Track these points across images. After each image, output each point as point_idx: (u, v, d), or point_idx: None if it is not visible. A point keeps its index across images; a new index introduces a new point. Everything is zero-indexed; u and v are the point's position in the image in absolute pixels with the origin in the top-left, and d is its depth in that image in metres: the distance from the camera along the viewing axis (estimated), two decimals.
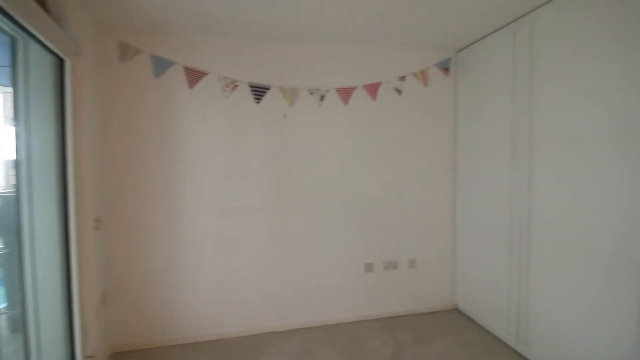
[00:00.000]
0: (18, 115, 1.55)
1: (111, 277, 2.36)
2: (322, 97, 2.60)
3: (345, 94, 2.64)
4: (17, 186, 1.55)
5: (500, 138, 2.43)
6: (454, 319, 2.84)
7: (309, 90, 2.58)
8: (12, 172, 1.57)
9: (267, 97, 2.51)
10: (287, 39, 2.54)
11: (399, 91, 2.75)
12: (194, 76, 2.37)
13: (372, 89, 2.69)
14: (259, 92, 2.47)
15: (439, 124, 2.92)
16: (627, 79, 1.61)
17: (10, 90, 1.54)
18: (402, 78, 2.75)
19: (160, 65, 2.32)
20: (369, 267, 2.82)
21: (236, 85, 2.45)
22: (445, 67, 2.85)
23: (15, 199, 1.55)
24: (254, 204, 2.57)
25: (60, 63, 1.83)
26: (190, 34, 2.41)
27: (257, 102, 2.48)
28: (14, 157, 1.54)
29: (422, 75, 2.78)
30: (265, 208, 2.60)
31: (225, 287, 2.55)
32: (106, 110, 2.32)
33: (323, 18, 2.21)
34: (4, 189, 1.72)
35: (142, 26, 2.29)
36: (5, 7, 1.21)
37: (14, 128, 1.54)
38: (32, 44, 1.57)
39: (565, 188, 1.95)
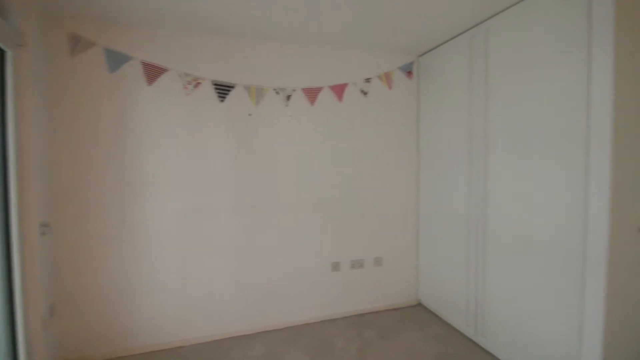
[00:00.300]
0: None
1: (61, 286, 2.20)
2: (288, 97, 2.59)
3: (312, 94, 2.65)
4: None
5: (458, 140, 2.55)
6: (418, 314, 2.94)
7: (275, 89, 2.56)
8: None
9: (232, 96, 2.46)
10: (253, 38, 2.50)
11: (365, 93, 2.81)
12: (153, 72, 2.27)
13: (338, 90, 2.72)
14: (223, 90, 2.42)
15: (403, 125, 3.01)
16: (568, 90, 1.75)
17: None
18: (368, 80, 2.81)
19: (116, 60, 2.20)
20: (336, 267, 2.85)
21: (199, 83, 2.38)
22: (408, 71, 2.95)
23: None
24: (218, 205, 2.50)
25: (0, 54, 1.68)
26: (149, 27, 2.29)
27: (221, 101, 2.43)
28: None
29: (387, 78, 2.86)
30: (230, 209, 2.54)
31: (187, 292, 2.47)
32: (55, 107, 2.16)
33: (291, 19, 2.20)
34: None
35: (95, 17, 2.15)
36: None
37: None
38: None
39: (514, 188, 2.08)
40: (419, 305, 3.12)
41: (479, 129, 2.34)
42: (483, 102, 2.30)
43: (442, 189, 2.77)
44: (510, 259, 2.13)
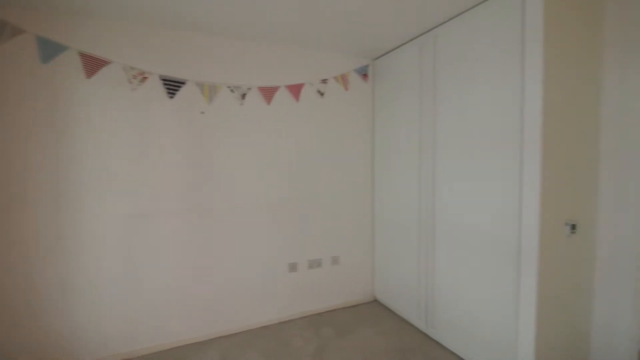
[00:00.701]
0: None
1: None
2: (243, 96, 2.53)
3: (268, 93, 2.61)
4: None
5: (410, 142, 2.66)
6: (374, 310, 3.02)
7: (229, 87, 2.49)
8: None
9: (183, 93, 2.35)
10: (207, 32, 2.40)
11: (321, 93, 2.83)
12: (93, 64, 2.10)
13: (295, 90, 2.71)
14: (172, 86, 2.30)
15: (359, 126, 3.08)
16: (505, 96, 1.90)
17: None
18: (324, 81, 2.83)
19: (49, 49, 2.01)
20: (293, 267, 2.83)
21: (145, 78, 2.24)
22: (364, 73, 3.02)
23: None
24: (166, 207, 2.37)
25: None
26: (88, 15, 2.11)
27: (171, 97, 2.31)
28: None
29: (343, 79, 2.90)
30: (180, 211, 2.42)
31: (134, 300, 2.31)
32: None
33: (247, 16, 2.14)
34: None
35: (24, 2, 1.93)
36: None
37: None
38: None
39: (459, 188, 2.21)
40: (375, 301, 3.21)
41: (428, 131, 2.46)
42: (432, 106, 2.42)
43: (395, 189, 2.87)
44: (456, 254, 2.26)
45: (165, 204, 2.36)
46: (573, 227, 1.89)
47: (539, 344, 1.80)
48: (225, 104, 2.50)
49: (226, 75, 2.49)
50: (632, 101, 1.88)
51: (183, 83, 2.33)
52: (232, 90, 2.49)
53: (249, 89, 2.55)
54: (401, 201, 2.79)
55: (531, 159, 1.77)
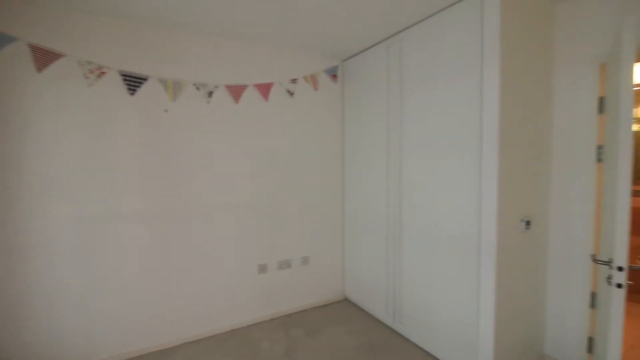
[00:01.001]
0: None
1: None
2: (210, 94, 2.47)
3: (236, 91, 2.57)
4: None
5: (378, 142, 2.71)
6: (344, 309, 3.05)
7: (195, 85, 2.42)
8: None
9: (144, 89, 2.25)
10: (170, 27, 2.32)
11: (291, 93, 2.82)
12: (44, 57, 1.96)
13: (264, 89, 2.68)
14: (133, 82, 2.20)
15: (329, 126, 3.09)
16: (466, 99, 1.99)
17: None
18: (294, 81, 2.82)
19: None
20: (262, 269, 2.80)
21: (103, 73, 2.13)
22: (333, 74, 3.04)
23: None
24: (128, 210, 2.26)
25: None
26: (39, 4, 1.97)
27: (132, 94, 2.20)
28: None
29: (313, 80, 2.91)
30: (143, 214, 2.31)
31: (92, 308, 2.18)
32: None
33: (215, 12, 2.09)
34: None
35: None
36: None
37: None
38: None
39: (425, 187, 2.29)
40: (345, 300, 3.24)
41: (395, 133, 2.52)
42: (399, 108, 2.48)
43: (364, 189, 2.92)
44: (421, 251, 2.33)
45: (125, 207, 2.25)
46: (528, 223, 2.01)
47: (498, 336, 1.89)
48: (191, 102, 2.43)
49: (191, 72, 2.42)
50: (580, 106, 2.03)
51: (145, 79, 2.24)
52: (197, 88, 2.42)
53: (216, 86, 2.49)
54: (370, 201, 2.84)
55: (489, 159, 1.86)
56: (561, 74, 2.11)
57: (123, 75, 2.17)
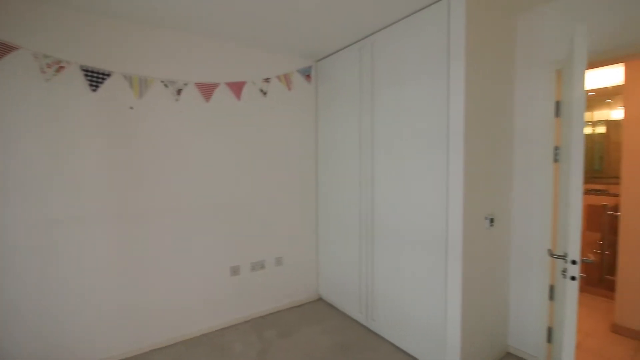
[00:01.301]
0: None
1: None
2: (179, 91, 2.39)
3: (207, 90, 2.50)
4: None
5: (351, 143, 2.74)
6: (318, 309, 3.06)
7: (163, 82, 2.33)
8: None
9: (107, 85, 2.14)
10: (136, 21, 2.22)
11: (264, 92, 2.79)
12: None
13: (236, 88, 2.63)
14: (95, 77, 2.08)
15: (302, 127, 3.09)
16: (434, 100, 2.05)
17: None
18: (267, 80, 2.79)
19: None
20: (235, 271, 2.74)
21: (62, 67, 2.00)
22: (307, 74, 3.04)
23: None
24: (89, 211, 2.14)
25: None
26: None
27: (94, 90, 2.09)
28: None
29: (286, 79, 2.89)
30: (106, 215, 2.20)
31: (52, 317, 2.05)
32: None
33: (185, 8, 2.02)
34: None
35: None
36: None
37: None
38: None
39: (396, 186, 2.34)
40: (320, 300, 3.25)
41: (367, 133, 2.56)
42: (370, 109, 2.52)
43: (337, 188, 2.93)
44: (393, 249, 2.38)
45: (87, 209, 2.13)
46: (492, 220, 2.11)
47: (464, 329, 1.96)
48: (158, 100, 2.34)
49: (159, 68, 2.33)
50: (539, 109, 2.15)
51: (108, 75, 2.13)
52: (166, 85, 2.34)
53: (185, 84, 2.42)
54: (343, 201, 2.86)
55: (455, 159, 1.92)
56: (522, 79, 2.23)
57: (84, 70, 2.05)
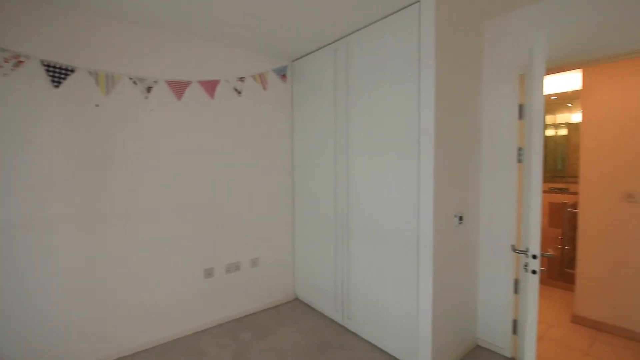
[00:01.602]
0: None
1: None
2: (149, 89, 2.32)
3: (178, 88, 2.44)
4: None
5: (326, 142, 2.76)
6: (295, 309, 3.05)
7: (131, 78, 2.25)
8: None
9: (71, 82, 2.05)
10: (103, 15, 2.13)
11: (239, 92, 2.75)
12: None
13: (210, 86, 2.59)
14: (58, 73, 1.98)
15: (278, 126, 3.07)
16: (406, 101, 2.10)
17: None
18: (242, 79, 2.76)
19: None
20: (209, 273, 2.69)
21: (21, 62, 1.89)
22: (282, 74, 3.03)
23: None
24: (53, 214, 2.04)
25: None
26: None
27: (56, 87, 1.99)
28: None
29: (261, 79, 2.87)
30: (71, 218, 2.10)
31: (14, 326, 1.93)
32: None
33: (157, 3, 1.96)
34: None
35: None
36: None
37: None
38: None
39: (370, 187, 2.37)
40: (296, 300, 3.25)
41: (342, 133, 2.58)
42: (345, 109, 2.54)
43: (314, 188, 2.95)
44: (367, 248, 2.42)
45: (50, 211, 2.02)
46: (460, 218, 2.18)
47: (435, 325, 2.02)
48: (127, 97, 2.25)
49: (128, 64, 2.25)
50: (504, 112, 2.25)
51: (72, 70, 2.03)
52: (134, 82, 2.26)
53: (156, 81, 2.34)
54: (319, 201, 2.88)
55: (426, 159, 1.98)
56: (489, 82, 2.33)
57: (45, 65, 1.95)
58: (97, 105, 2.14)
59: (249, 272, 2.92)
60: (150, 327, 2.42)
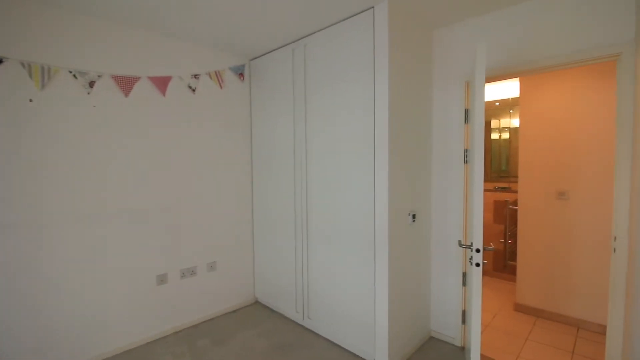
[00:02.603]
0: None
1: None
2: (91, 84, 2.15)
3: (126, 83, 2.30)
4: None
5: (285, 142, 2.75)
6: (255, 312, 3.00)
7: (71, 72, 2.08)
8: None
9: (0, 73, 1.84)
10: (41, 3, 1.95)
11: (193, 89, 2.65)
12: None
13: (161, 83, 2.47)
14: None
15: (235, 127, 3.00)
16: (362, 102, 2.15)
17: None
18: (196, 76, 2.67)
19: None
20: (162, 279, 2.56)
21: None
22: (240, 73, 2.97)
23: None
24: None
25: None
26: None
27: None
28: None
29: (218, 77, 2.79)
30: (4, 222, 1.90)
31: None
32: None
33: None
34: None
35: None
36: None
37: None
38: None
39: (328, 187, 2.40)
40: (256, 303, 3.19)
41: (300, 133, 2.59)
42: (303, 111, 2.55)
43: (273, 190, 2.92)
44: (326, 248, 2.45)
45: None
46: (414, 216, 2.28)
47: (391, 319, 2.10)
48: (66, 92, 2.08)
49: (67, 56, 2.07)
50: (452, 116, 2.39)
51: (0, 61, 1.83)
52: (75, 76, 2.09)
53: (100, 76, 2.19)
54: (279, 202, 2.85)
55: (381, 159, 2.05)
56: (439, 88, 2.46)
57: None
58: (31, 100, 1.95)
59: (206, 276, 2.82)
60: (96, 339, 2.25)
